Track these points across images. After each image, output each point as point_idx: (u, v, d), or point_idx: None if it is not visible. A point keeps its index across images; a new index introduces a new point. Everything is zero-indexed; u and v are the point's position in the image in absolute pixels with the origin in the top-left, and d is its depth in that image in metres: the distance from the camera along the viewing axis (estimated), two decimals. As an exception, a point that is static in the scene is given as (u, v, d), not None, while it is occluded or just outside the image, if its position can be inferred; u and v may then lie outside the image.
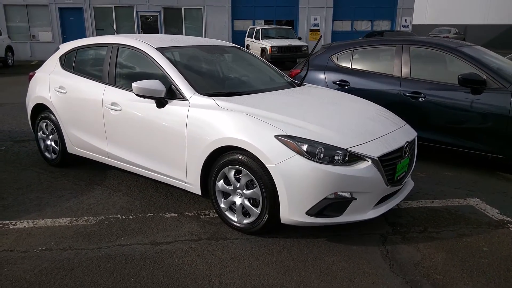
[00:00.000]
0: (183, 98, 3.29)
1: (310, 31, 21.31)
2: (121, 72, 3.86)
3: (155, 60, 3.56)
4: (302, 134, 2.81)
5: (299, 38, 17.36)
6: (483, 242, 2.98)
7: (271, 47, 15.43)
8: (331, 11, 21.26)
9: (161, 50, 3.66)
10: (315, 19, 21.20)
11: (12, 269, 2.63)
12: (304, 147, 2.74)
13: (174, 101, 3.32)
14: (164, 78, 3.42)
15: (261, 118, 2.93)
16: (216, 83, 3.81)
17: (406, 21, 21.75)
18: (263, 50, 16.02)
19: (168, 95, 3.34)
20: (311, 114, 3.11)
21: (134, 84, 3.27)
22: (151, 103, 3.42)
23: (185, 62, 3.80)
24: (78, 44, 4.37)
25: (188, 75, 3.45)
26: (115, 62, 3.89)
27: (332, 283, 2.51)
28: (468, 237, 3.05)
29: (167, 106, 3.34)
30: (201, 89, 3.34)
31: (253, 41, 17.28)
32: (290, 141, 2.76)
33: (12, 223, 3.25)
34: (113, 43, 3.97)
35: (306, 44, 16.26)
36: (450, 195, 3.83)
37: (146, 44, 3.73)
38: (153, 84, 3.26)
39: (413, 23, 27.79)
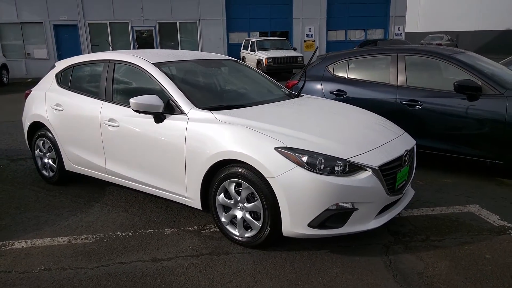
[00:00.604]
0: (181, 112, 3.29)
1: (305, 41, 21.47)
2: (118, 88, 3.86)
3: (152, 75, 3.56)
4: (302, 146, 2.80)
5: (294, 49, 17.47)
6: (485, 249, 2.96)
7: (267, 58, 15.52)
8: (324, 21, 21.46)
9: (158, 65, 3.67)
10: (309, 30, 21.38)
11: (11, 291, 2.59)
12: (305, 159, 2.73)
13: (173, 115, 3.32)
14: (161, 93, 3.42)
15: (260, 131, 2.93)
16: (214, 96, 3.82)
17: (399, 29, 21.99)
18: (259, 61, 16.10)
19: (166, 110, 3.34)
20: (310, 125, 3.11)
21: (131, 100, 3.26)
22: (149, 119, 3.41)
23: (183, 76, 3.81)
24: (74, 61, 4.38)
25: (185, 90, 3.45)
26: (112, 78, 3.89)
27: (337, 295, 2.48)
28: (470, 245, 3.04)
29: (165, 121, 3.33)
30: (199, 103, 3.34)
31: (248, 53, 17.38)
32: (290, 153, 2.76)
33: (10, 244, 3.21)
34: (110, 59, 3.98)
35: (302, 55, 16.36)
36: (450, 203, 3.82)
37: (143, 59, 3.74)
38: (151, 100, 3.26)
39: (406, 31, 28.08)
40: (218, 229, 3.32)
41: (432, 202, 3.84)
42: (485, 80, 4.23)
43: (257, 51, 16.54)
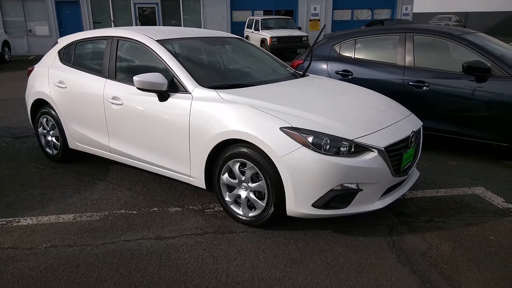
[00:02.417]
0: (185, 91, 3.25)
1: (310, 21, 21.14)
2: (122, 65, 3.81)
3: (156, 53, 3.51)
4: (307, 126, 2.77)
5: (299, 28, 17.22)
6: (489, 231, 2.96)
7: (271, 37, 15.31)
8: (330, 0, 21.06)
9: (162, 42, 3.61)
10: (314, 9, 21.02)
11: (17, 266, 2.61)
12: (310, 139, 2.71)
13: (177, 94, 3.28)
14: (165, 71, 3.38)
15: (265, 110, 2.90)
16: (218, 75, 3.77)
17: (406, 9, 21.57)
18: (262, 41, 15.89)
19: (170, 88, 3.30)
20: (316, 105, 3.07)
21: (135, 78, 3.23)
22: (153, 97, 3.38)
23: (187, 54, 3.76)
24: (77, 38, 4.32)
25: (190, 68, 3.41)
26: (115, 55, 3.84)
27: (340, 274, 2.50)
28: (474, 226, 3.04)
29: (169, 99, 3.30)
30: (203, 82, 3.30)
31: (252, 32, 17.15)
32: (295, 133, 2.73)
33: (16, 220, 3.23)
34: (113, 36, 3.92)
35: (306, 34, 16.13)
36: (455, 184, 3.81)
37: (147, 36, 3.68)
38: (155, 77, 3.22)
39: (414, 11, 27.55)
40: (222, 208, 3.33)
41: (436, 183, 3.83)
42: (494, 62, 4.15)
43: (261, 30, 16.31)
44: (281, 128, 2.76)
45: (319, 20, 21.12)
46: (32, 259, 2.70)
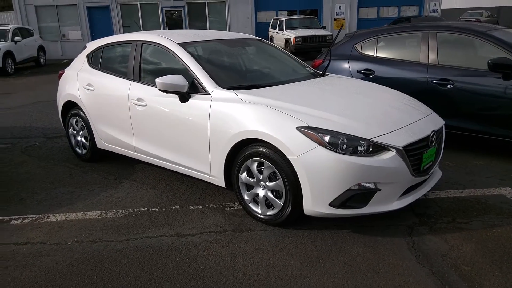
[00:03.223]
0: (205, 92, 3.32)
1: (335, 19, 20.95)
2: (146, 68, 3.93)
3: (177, 55, 3.61)
4: (324, 125, 2.78)
5: (324, 28, 17.09)
6: (514, 233, 2.88)
7: (295, 37, 15.28)
8: (356, -2, 20.82)
9: (183, 45, 3.70)
10: (339, 7, 20.81)
11: (45, 260, 2.75)
12: (327, 138, 2.72)
13: (197, 95, 3.36)
14: (186, 73, 3.46)
15: (282, 110, 2.93)
16: (237, 76, 3.82)
17: (434, 5, 21.02)
18: (287, 41, 15.89)
19: (191, 89, 3.38)
20: (334, 105, 3.07)
21: (157, 80, 3.32)
22: (175, 98, 3.47)
23: (207, 56, 3.83)
24: (104, 42, 4.48)
25: (210, 69, 3.48)
26: (140, 58, 3.96)
27: (357, 274, 2.50)
28: (499, 228, 2.96)
29: (190, 100, 3.38)
30: (223, 83, 3.36)
31: (276, 32, 17.17)
32: (312, 132, 2.75)
33: (45, 217, 3.39)
34: (137, 40, 4.04)
35: (331, 33, 16.00)
36: (480, 185, 3.71)
37: (169, 39, 3.78)
38: (176, 79, 3.31)
39: (443, 7, 26.82)
40: (241, 207, 3.38)
41: (461, 184, 3.75)
42: (523, 58, 4.02)
43: (285, 30, 16.31)
44: (297, 128, 2.79)
45: (344, 19, 20.90)
46: (59, 253, 2.83)
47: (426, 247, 2.75)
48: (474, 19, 25.40)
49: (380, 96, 3.43)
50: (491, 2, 32.62)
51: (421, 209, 3.29)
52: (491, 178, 3.87)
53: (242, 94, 3.18)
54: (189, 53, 3.60)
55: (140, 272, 2.59)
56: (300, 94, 3.27)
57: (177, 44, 3.70)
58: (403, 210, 3.23)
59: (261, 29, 20.35)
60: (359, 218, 3.15)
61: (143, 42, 3.99)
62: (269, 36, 18.19)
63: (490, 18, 27.30)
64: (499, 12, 31.76)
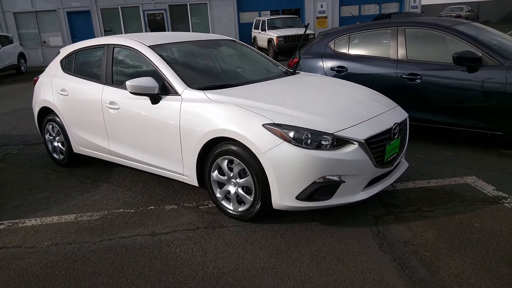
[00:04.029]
0: (175, 93, 3.38)
1: (317, 18, 21.13)
2: (118, 71, 3.97)
3: (148, 58, 3.66)
4: (289, 122, 2.87)
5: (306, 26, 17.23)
6: (475, 218, 3.00)
7: (277, 37, 15.38)
8: (337, -4, 21.04)
9: (154, 47, 3.76)
10: (321, 6, 21.00)
11: (20, 263, 2.79)
12: (291, 134, 2.81)
13: (168, 96, 3.42)
14: (157, 75, 3.52)
15: (249, 108, 3.01)
16: (207, 76, 3.88)
17: (414, 1, 21.33)
18: (269, 40, 15.99)
19: (162, 91, 3.44)
20: (300, 102, 3.16)
21: (127, 83, 3.38)
22: (146, 100, 3.52)
23: (177, 57, 3.89)
24: (76, 47, 4.51)
25: (180, 71, 3.54)
26: (112, 62, 4.01)
27: (322, 263, 2.58)
28: (461, 214, 3.08)
29: (161, 102, 3.44)
30: (192, 83, 3.43)
31: (259, 32, 17.26)
32: (277, 129, 2.83)
33: (21, 222, 3.42)
34: (109, 44, 4.08)
35: (313, 32, 16.16)
36: (447, 175, 3.84)
37: (139, 42, 3.83)
38: (146, 81, 3.36)
39: (424, 3, 27.20)
40: (214, 205, 3.45)
41: (429, 174, 3.87)
42: (485, 51, 4.16)
43: (267, 30, 16.41)
44: (263, 125, 2.87)
45: (326, 18, 21.10)
46: (34, 256, 2.87)
47: (390, 235, 2.86)
48: (455, 14, 25.82)
49: (345, 92, 3.53)
50: (471, -3, 33.25)
51: (388, 199, 3.40)
52: (458, 168, 4.00)
53: (211, 94, 3.25)
54: (159, 55, 3.65)
55: (113, 271, 2.65)
56: (268, 92, 3.35)
57: (148, 46, 3.76)
58: (370, 201, 3.34)
59: (244, 30, 20.43)
60: (328, 210, 3.24)
61: (114, 46, 4.03)
62: (252, 36, 18.28)
63: (470, 12, 27.78)
64: (479, 7, 32.34)
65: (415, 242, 2.74)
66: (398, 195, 3.47)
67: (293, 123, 2.86)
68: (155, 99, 3.46)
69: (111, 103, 3.82)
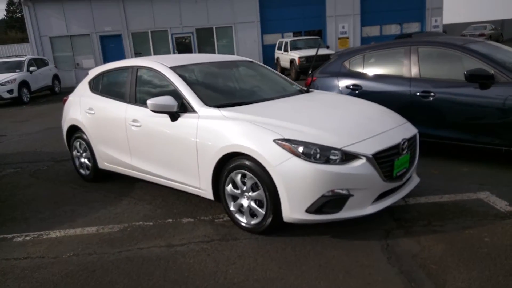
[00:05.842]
0: (193, 111, 3.57)
1: (339, 39, 21.35)
2: (140, 90, 4.22)
3: (168, 78, 3.88)
4: (298, 137, 2.99)
5: (327, 47, 17.44)
6: (485, 233, 3.00)
7: (299, 57, 15.61)
8: (358, 17, 21.24)
9: (174, 68, 3.98)
10: (343, 27, 21.23)
11: (42, 273, 2.97)
12: (300, 149, 2.92)
13: (186, 114, 3.61)
14: (176, 94, 3.73)
15: (261, 125, 3.15)
16: (223, 95, 4.06)
17: (436, 21, 21.27)
18: (292, 61, 16.24)
19: (180, 109, 3.63)
20: (310, 118, 3.28)
21: (148, 101, 3.59)
22: (166, 118, 3.72)
23: (196, 77, 4.10)
24: (104, 69, 4.81)
25: (197, 90, 3.74)
26: (135, 82, 4.26)
27: (330, 275, 2.65)
28: (471, 229, 3.08)
29: (179, 119, 3.63)
30: (209, 101, 3.61)
31: (282, 53, 17.57)
32: (287, 144, 2.95)
33: (46, 233, 3.63)
34: (133, 66, 4.35)
35: (333, 52, 16.31)
36: (461, 190, 3.83)
37: (161, 64, 4.07)
38: (166, 100, 3.57)
39: (447, 22, 27.01)
40: (229, 218, 3.57)
41: (442, 189, 3.88)
42: (498, 68, 4.18)
43: (290, 51, 16.69)
44: (274, 140, 3.00)
45: (348, 38, 21.27)
46: (56, 266, 3.05)
47: (399, 248, 2.89)
48: (478, 33, 25.47)
49: (356, 108, 3.63)
50: (494, 15, 32.82)
51: (400, 214, 3.43)
52: (472, 183, 3.98)
53: (225, 111, 3.42)
54: (179, 75, 3.87)
55: (129, 280, 2.79)
56: (280, 109, 3.49)
57: (168, 67, 3.98)
58: (382, 215, 3.38)
59: (268, 51, 20.84)
60: (339, 224, 3.30)
61: (138, 67, 4.29)
62: (276, 57, 18.60)
63: (494, 31, 27.32)
64: (503, 25, 31.77)
65: (423, 256, 2.77)
66: (409, 210, 3.50)
67: (303, 138, 2.97)
68: (174, 117, 3.66)
69: (133, 120, 4.05)
